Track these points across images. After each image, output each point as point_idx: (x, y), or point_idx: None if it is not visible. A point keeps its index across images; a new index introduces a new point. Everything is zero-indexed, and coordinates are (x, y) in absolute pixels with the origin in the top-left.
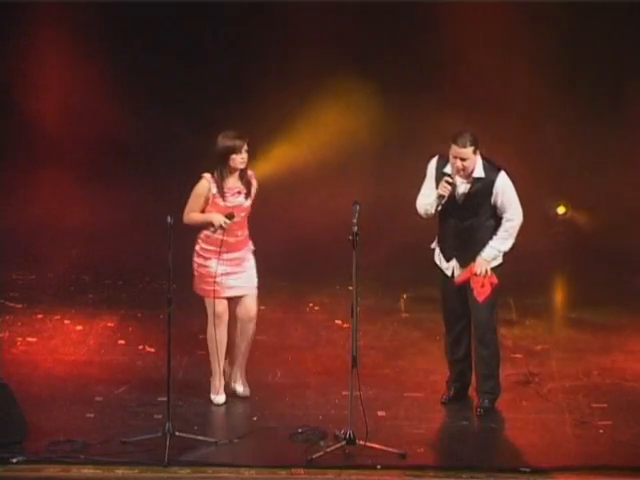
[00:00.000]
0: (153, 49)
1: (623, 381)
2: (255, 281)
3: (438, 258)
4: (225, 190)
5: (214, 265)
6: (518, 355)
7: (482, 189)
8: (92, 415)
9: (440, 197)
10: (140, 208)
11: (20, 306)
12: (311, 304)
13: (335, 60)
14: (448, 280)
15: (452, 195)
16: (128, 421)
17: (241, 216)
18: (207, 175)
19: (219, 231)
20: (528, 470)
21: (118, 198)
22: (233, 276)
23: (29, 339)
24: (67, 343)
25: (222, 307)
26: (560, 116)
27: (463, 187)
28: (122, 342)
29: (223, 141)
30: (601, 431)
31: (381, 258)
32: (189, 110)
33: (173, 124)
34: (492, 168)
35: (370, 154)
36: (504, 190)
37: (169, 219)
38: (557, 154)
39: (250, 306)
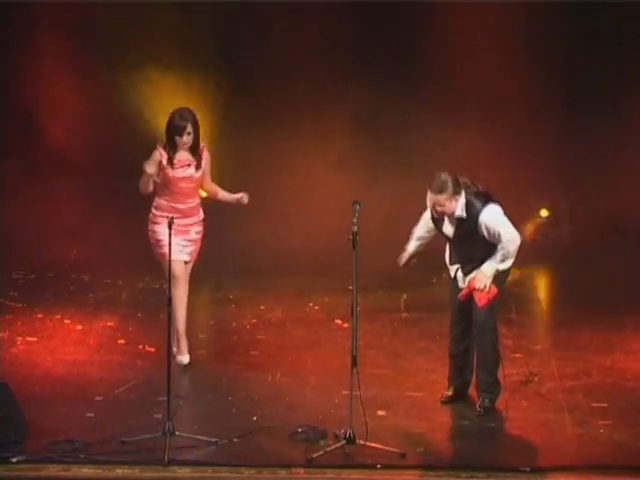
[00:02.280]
0: (159, 60)
1: (623, 381)
2: (197, 248)
3: (447, 258)
4: (175, 162)
5: (165, 230)
6: (518, 355)
7: (468, 227)
8: (92, 415)
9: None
10: (140, 207)
11: (20, 306)
12: (311, 304)
13: (336, 61)
14: (455, 280)
15: (441, 232)
16: (128, 420)
17: (190, 187)
18: (159, 147)
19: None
20: (528, 470)
21: (119, 198)
22: (183, 243)
23: (29, 338)
24: (67, 343)
25: (180, 269)
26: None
27: (450, 228)
28: (122, 342)
29: (169, 121)
30: (601, 431)
31: (382, 258)
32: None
33: None
34: (477, 204)
35: (371, 155)
36: (488, 226)
37: (169, 219)
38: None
39: (187, 271)
